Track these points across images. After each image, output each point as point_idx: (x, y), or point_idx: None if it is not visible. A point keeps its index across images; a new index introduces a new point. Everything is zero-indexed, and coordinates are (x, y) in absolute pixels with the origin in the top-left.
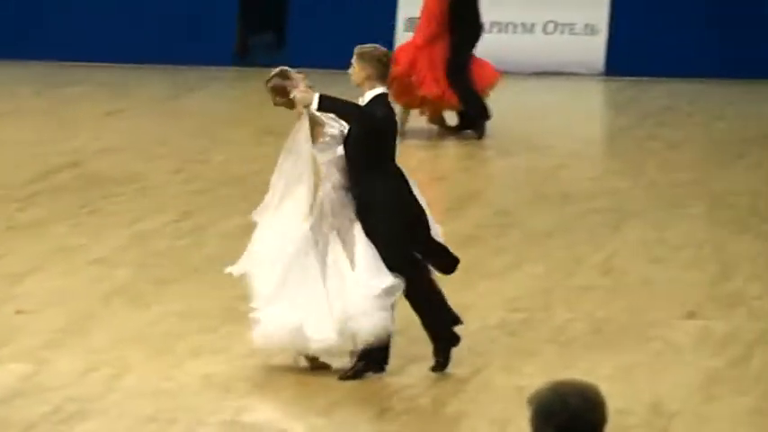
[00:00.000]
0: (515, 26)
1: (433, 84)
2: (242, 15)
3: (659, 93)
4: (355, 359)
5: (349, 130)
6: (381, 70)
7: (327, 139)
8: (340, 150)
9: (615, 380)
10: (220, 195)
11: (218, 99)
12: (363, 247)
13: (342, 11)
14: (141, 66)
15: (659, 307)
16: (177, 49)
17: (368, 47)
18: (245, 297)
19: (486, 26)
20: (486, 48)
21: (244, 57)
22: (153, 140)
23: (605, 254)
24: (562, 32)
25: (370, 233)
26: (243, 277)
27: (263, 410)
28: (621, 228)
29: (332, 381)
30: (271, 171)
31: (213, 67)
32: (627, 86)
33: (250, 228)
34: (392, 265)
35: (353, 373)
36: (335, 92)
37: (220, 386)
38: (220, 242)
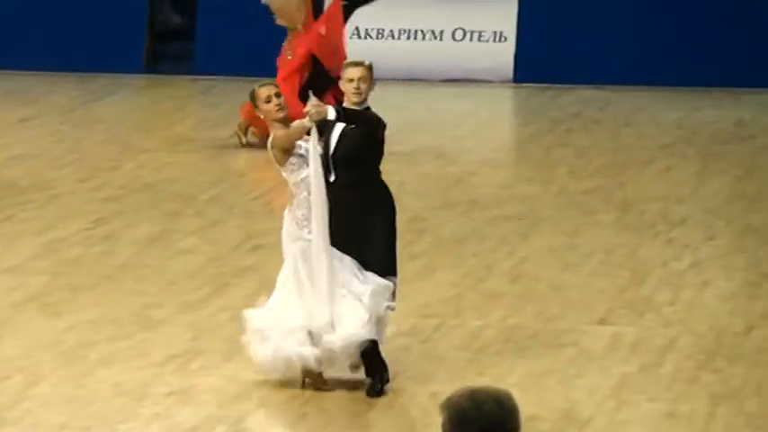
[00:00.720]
0: (424, 33)
1: None
2: (151, 24)
3: (568, 100)
4: (377, 372)
5: (345, 135)
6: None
7: (298, 159)
8: (308, 171)
9: (527, 386)
10: (131, 203)
11: (127, 107)
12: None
13: (248, 20)
14: (50, 73)
15: (570, 313)
16: (86, 56)
17: (366, 61)
18: (158, 305)
19: (396, 33)
20: (396, 55)
21: (153, 64)
22: (64, 148)
23: (515, 260)
24: (471, 40)
25: (374, 229)
26: (157, 284)
27: (179, 416)
28: (532, 234)
29: (246, 386)
30: (182, 179)
31: (122, 75)
32: (536, 93)
33: (161, 235)
34: (390, 266)
35: (382, 387)
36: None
37: (133, 394)
38: (132, 249)
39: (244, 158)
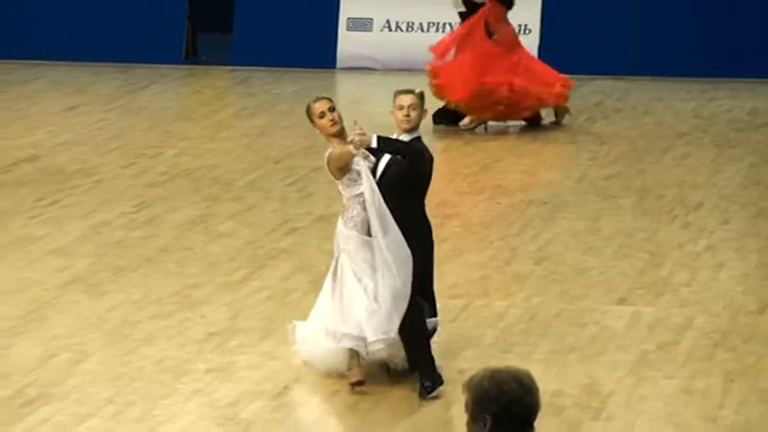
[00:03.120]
0: (452, 26)
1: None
2: (191, 15)
3: (589, 90)
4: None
5: (393, 163)
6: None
7: (354, 175)
8: (362, 188)
9: (550, 363)
10: (172, 188)
11: (168, 96)
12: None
13: (285, 11)
14: (95, 64)
15: (592, 293)
16: (129, 47)
17: (417, 89)
18: (198, 285)
19: (425, 26)
20: (426, 47)
21: (192, 55)
22: (108, 135)
23: (540, 243)
24: None
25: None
26: (197, 266)
27: (218, 392)
28: (555, 218)
29: (272, 362)
30: (221, 165)
31: (163, 65)
32: None
33: (201, 219)
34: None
35: (433, 385)
36: (282, 88)
37: (174, 371)
38: (173, 232)
39: (280, 146)
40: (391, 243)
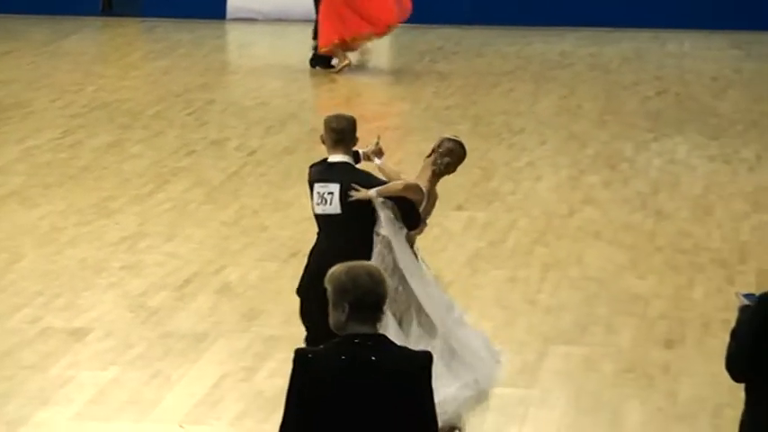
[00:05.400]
0: None
1: None
2: None
3: (432, 36)
4: None
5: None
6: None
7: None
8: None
9: None
10: (92, 118)
11: (88, 42)
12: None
13: None
14: (26, 16)
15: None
16: (55, 1)
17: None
18: (113, 198)
19: None
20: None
21: (108, 8)
22: (38, 75)
23: (392, 162)
24: None
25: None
26: (112, 182)
27: (130, 285)
28: (405, 142)
29: None
30: (132, 99)
31: (84, 17)
32: (406, 32)
33: (115, 143)
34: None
35: None
36: (182, 35)
37: (94, 268)
38: (93, 155)
39: (181, 82)
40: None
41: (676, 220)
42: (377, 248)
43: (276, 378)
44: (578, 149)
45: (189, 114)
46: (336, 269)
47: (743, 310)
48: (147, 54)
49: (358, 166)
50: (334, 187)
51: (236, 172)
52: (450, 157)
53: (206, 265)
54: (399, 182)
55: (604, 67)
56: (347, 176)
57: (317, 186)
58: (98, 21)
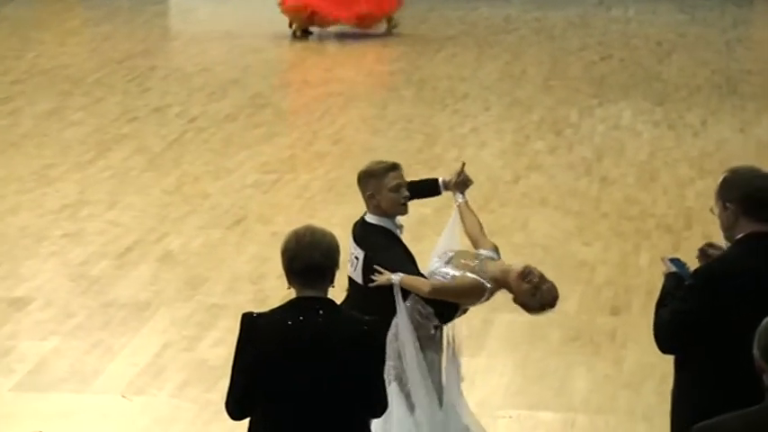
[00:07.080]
0: None
1: None
2: None
3: None
4: None
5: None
6: None
7: None
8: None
9: (346, 226)
10: (32, 84)
11: (26, 9)
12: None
13: None
14: None
15: None
16: None
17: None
18: (54, 165)
19: None
20: None
21: None
22: None
23: (337, 127)
24: None
25: None
26: (53, 149)
27: (71, 253)
28: (349, 107)
29: None
30: (72, 65)
31: None
32: None
33: (56, 110)
34: None
35: None
36: (121, 2)
37: (35, 236)
38: (33, 122)
39: (122, 48)
40: None
41: (622, 186)
42: (390, 338)
43: (220, 347)
44: (523, 115)
45: (130, 81)
46: (291, 232)
47: (669, 277)
48: (86, 20)
49: (437, 197)
50: (360, 254)
51: (177, 139)
52: (539, 295)
53: (147, 233)
54: (427, 283)
55: (549, 33)
56: (371, 249)
57: (350, 244)
58: None
